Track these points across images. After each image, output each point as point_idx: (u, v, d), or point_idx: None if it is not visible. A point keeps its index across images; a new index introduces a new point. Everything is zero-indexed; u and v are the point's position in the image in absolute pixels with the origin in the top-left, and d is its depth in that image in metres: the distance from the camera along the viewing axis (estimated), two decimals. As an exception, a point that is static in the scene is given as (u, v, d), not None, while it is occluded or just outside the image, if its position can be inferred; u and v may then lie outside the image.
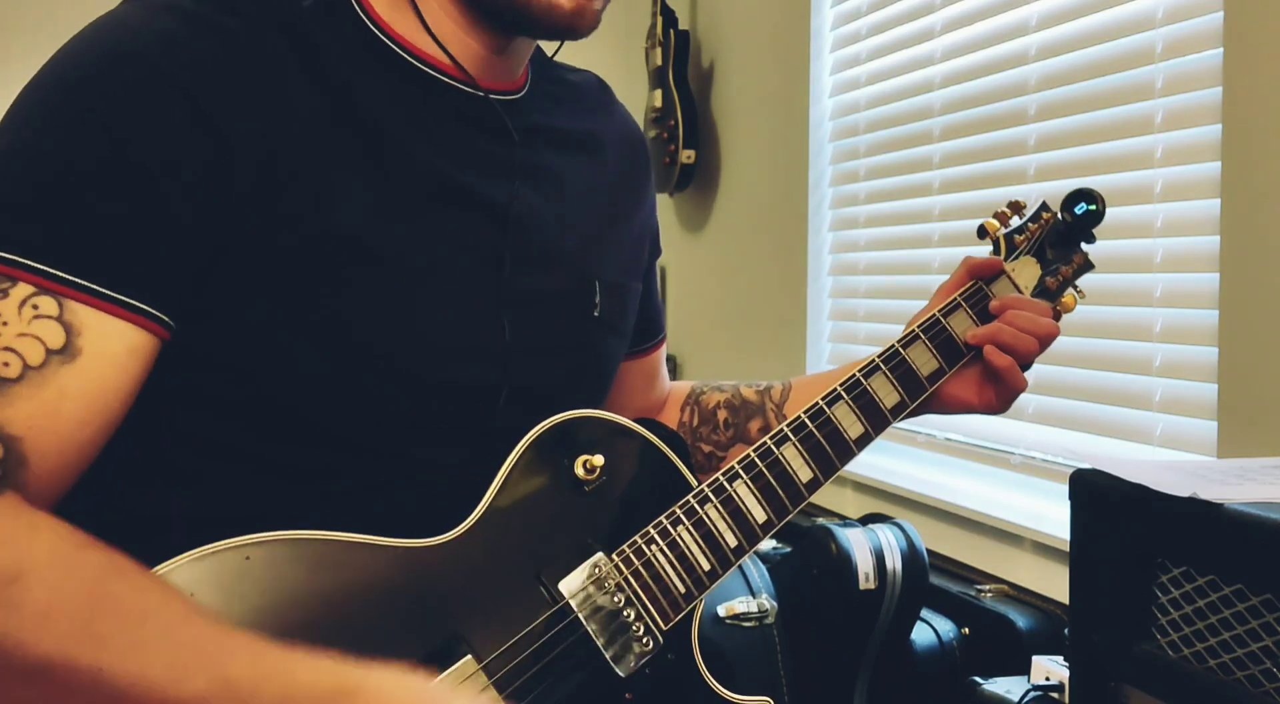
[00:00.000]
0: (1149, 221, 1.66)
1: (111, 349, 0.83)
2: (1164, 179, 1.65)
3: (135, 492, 0.89)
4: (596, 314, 1.06)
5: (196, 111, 0.86)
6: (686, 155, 3.03)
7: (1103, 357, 1.76)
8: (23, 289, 0.81)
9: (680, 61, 3.07)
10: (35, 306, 0.81)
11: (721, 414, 1.25)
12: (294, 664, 0.77)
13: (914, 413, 1.13)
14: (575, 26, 0.97)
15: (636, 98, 3.13)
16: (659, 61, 3.08)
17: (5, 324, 0.80)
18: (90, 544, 0.78)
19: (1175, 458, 1.59)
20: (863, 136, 2.46)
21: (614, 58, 3.34)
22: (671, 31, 3.05)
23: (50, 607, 0.74)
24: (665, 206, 3.18)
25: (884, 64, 2.39)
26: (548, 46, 1.10)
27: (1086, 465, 1.05)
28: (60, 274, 0.81)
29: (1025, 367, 1.14)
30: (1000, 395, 1.15)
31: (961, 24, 2.12)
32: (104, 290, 0.82)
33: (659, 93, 3.08)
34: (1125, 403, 1.72)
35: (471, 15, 0.99)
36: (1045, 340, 1.13)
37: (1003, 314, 1.14)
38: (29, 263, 0.81)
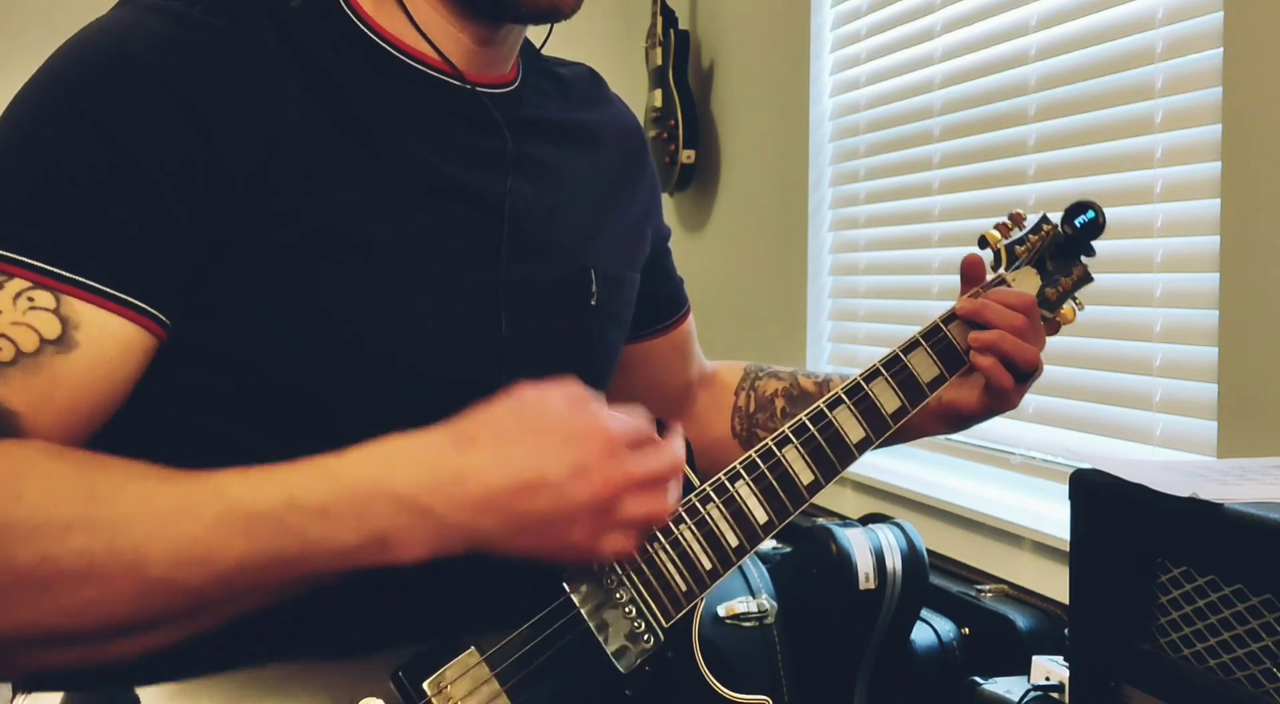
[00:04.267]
0: (1149, 221, 1.67)
1: (108, 344, 0.83)
2: (1164, 179, 1.65)
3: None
4: (593, 304, 1.06)
5: (190, 110, 0.86)
6: (686, 155, 3.03)
7: (1103, 356, 1.76)
8: (18, 283, 0.81)
9: (680, 61, 3.07)
10: (31, 299, 0.81)
11: (779, 403, 1.25)
12: (282, 474, 0.81)
13: (919, 429, 1.15)
14: (557, 7, 0.98)
15: (636, 98, 3.13)
16: (659, 61, 3.07)
17: (0, 313, 0.81)
18: (69, 449, 0.81)
19: (1175, 458, 1.59)
20: (863, 136, 2.46)
21: (614, 58, 3.34)
22: (671, 31, 3.05)
23: (50, 505, 0.76)
24: (665, 206, 3.17)
25: (884, 64, 2.39)
26: (536, 35, 1.10)
27: (1086, 465, 1.05)
28: (56, 270, 0.82)
29: (1022, 373, 1.13)
30: (993, 395, 1.13)
31: (961, 24, 2.12)
32: (102, 287, 0.83)
33: (659, 93, 3.08)
34: (1125, 403, 1.72)
35: (456, 8, 0.99)
36: (1021, 328, 1.12)
37: (982, 311, 1.13)
38: (24, 259, 0.81)
